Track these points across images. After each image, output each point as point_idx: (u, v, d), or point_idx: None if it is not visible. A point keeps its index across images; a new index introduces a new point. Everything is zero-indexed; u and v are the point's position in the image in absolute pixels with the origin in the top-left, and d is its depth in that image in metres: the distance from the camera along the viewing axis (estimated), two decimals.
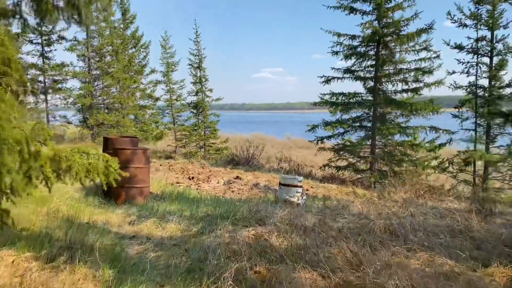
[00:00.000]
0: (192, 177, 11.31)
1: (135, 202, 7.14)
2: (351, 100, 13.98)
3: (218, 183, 10.67)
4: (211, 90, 18.58)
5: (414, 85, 12.98)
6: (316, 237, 5.02)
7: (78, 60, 22.72)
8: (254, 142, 36.66)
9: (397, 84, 13.29)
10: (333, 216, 6.34)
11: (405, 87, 13.28)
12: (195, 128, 18.36)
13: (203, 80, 18.44)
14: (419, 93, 12.91)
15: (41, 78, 22.28)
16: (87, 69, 22.53)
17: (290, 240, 4.82)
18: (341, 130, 13.88)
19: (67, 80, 22.59)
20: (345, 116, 13.94)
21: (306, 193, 8.60)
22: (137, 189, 7.24)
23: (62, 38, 22.37)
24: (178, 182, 10.73)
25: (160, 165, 13.94)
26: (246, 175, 12.35)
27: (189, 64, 18.49)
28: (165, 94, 18.78)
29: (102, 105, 23.53)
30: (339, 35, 13.49)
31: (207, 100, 18.65)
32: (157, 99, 22.05)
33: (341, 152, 14.20)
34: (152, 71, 22.86)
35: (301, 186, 7.49)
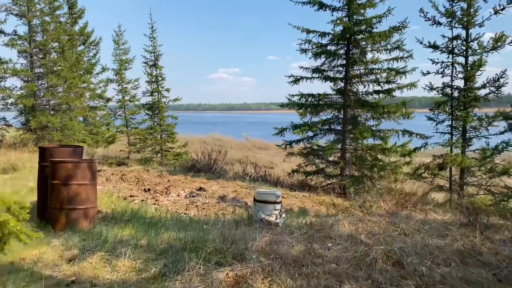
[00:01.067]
0: (148, 189, 9.97)
1: (79, 227, 5.79)
2: (320, 102, 13.15)
3: (179, 196, 9.41)
4: (168, 90, 17.19)
5: (387, 86, 12.33)
6: (311, 275, 3.98)
7: (18, 56, 20.49)
8: (211, 144, 35.99)
9: (368, 85, 12.61)
10: (322, 240, 5.35)
11: (377, 88, 12.61)
12: (151, 131, 16.90)
13: (160, 79, 17.02)
14: (391, 94, 12.27)
15: None
16: (29, 66, 20.36)
17: (281, 284, 3.74)
18: (310, 134, 13.00)
19: (6, 78, 20.36)
20: (315, 119, 13.10)
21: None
22: (81, 211, 5.89)
23: (0, 31, 20.12)
24: (132, 196, 9.37)
25: (112, 174, 12.44)
26: (210, 184, 11.15)
27: (144, 62, 17.00)
28: (117, 94, 17.19)
29: (47, 107, 21.42)
30: (308, 31, 12.60)
31: (164, 100, 17.24)
32: (109, 99, 20.32)
33: (309, 157, 13.34)
34: (103, 70, 21.08)
35: (279, 202, 6.44)
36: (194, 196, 9.02)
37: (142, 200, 9.02)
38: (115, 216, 6.85)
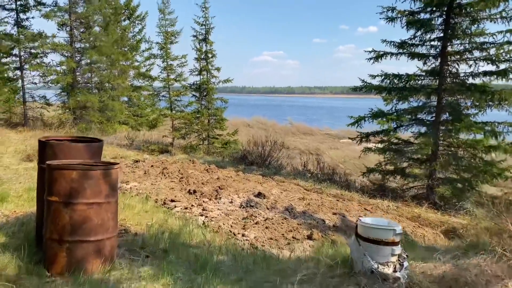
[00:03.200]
0: (194, 191, 7.85)
1: (87, 270, 3.70)
2: (407, 85, 10.45)
3: (232, 202, 7.22)
4: (218, 69, 14.97)
5: (503, 66, 9.40)
6: None
7: (58, 30, 19.06)
8: (255, 127, 33.96)
9: (475, 64, 9.72)
10: None
11: (487, 67, 9.73)
12: (198, 115, 14.82)
13: (210, 56, 14.80)
14: (508, 76, 9.35)
15: (15, 51, 18.69)
16: (69, 41, 18.87)
17: None
18: (393, 125, 10.36)
19: (47, 53, 19.00)
20: (400, 106, 10.45)
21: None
22: (91, 245, 3.78)
23: (40, 3, 18.69)
24: (173, 200, 7.29)
25: (151, 166, 10.47)
26: (269, 186, 8.88)
27: (193, 36, 14.79)
28: (161, 72, 15.22)
29: (88, 85, 19.97)
30: None
31: (213, 81, 15.07)
32: (154, 79, 18.38)
33: (390, 153, 10.73)
34: (149, 48, 19.16)
35: (398, 243, 4.04)
36: (252, 206, 6.79)
37: (186, 208, 6.91)
38: (147, 242, 4.73)
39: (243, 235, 5.65)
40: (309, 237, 5.65)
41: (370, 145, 11.05)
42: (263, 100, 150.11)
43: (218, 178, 9.10)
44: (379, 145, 10.92)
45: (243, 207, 6.83)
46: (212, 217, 6.40)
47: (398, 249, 3.97)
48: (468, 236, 6.52)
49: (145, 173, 9.65)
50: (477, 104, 9.95)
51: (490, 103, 9.75)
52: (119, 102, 20.71)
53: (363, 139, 10.63)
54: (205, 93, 14.94)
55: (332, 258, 4.46)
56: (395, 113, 10.28)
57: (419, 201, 9.46)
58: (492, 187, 10.42)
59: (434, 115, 10.35)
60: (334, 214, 6.77)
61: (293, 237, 5.68)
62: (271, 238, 5.62)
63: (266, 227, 5.94)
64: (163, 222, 5.83)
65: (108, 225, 3.92)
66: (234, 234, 5.72)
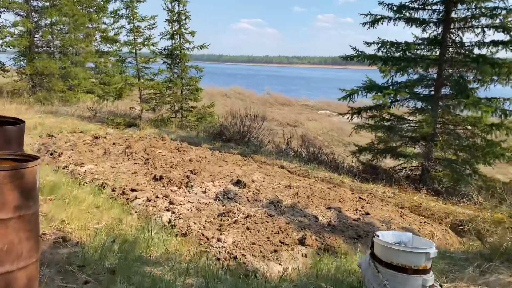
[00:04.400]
0: (161, 177, 6.60)
1: None
2: (405, 55, 9.28)
3: (205, 193, 6.02)
4: (192, 33, 13.35)
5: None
6: None
7: None
8: (233, 97, 32.69)
9: (484, 32, 8.59)
10: None
11: (492, 37, 8.64)
12: (169, 85, 13.33)
13: (183, 18, 13.15)
14: None
15: None
16: None
17: None
18: (388, 100, 9.23)
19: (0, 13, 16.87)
20: (398, 79, 9.30)
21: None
22: None
23: None
24: (134, 189, 6.04)
25: (113, 143, 9.10)
26: (250, 169, 7.70)
27: None
28: (127, 35, 13.53)
29: (49, 49, 18.00)
30: None
31: (187, 46, 13.50)
32: (123, 44, 16.59)
33: (383, 131, 9.67)
34: (117, 10, 17.22)
35: (430, 269, 2.95)
36: (230, 199, 5.61)
37: (149, 200, 5.69)
38: (90, 258, 3.52)
39: (218, 239, 4.49)
40: (301, 242, 4.55)
41: (354, 120, 9.94)
42: (240, 69, 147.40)
43: (190, 160, 7.85)
44: (370, 121, 9.85)
45: (219, 200, 5.65)
46: (180, 213, 5.20)
47: (430, 279, 2.90)
48: (483, 232, 5.59)
49: (105, 152, 8.32)
50: (480, 78, 8.93)
51: (495, 77, 8.74)
52: (84, 69, 18.88)
53: (355, 115, 9.50)
54: (177, 60, 13.40)
55: (336, 281, 3.36)
56: (391, 87, 9.15)
57: (416, 185, 8.49)
58: (491, 170, 9.55)
59: (433, 89, 9.29)
60: (328, 208, 5.69)
61: (281, 242, 4.56)
62: (253, 243, 4.49)
63: (248, 228, 4.79)
64: (116, 224, 4.61)
65: (21, 249, 2.67)
66: (208, 239, 4.55)
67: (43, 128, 10.83)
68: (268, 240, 4.59)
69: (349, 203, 6.25)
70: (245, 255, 4.21)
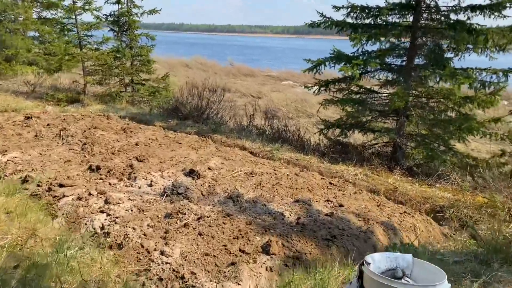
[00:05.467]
0: (98, 167, 5.54)
1: None
2: (376, 22, 8.43)
3: (151, 186, 5.05)
4: None
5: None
6: None
7: None
8: (195, 68, 31.38)
9: None
10: None
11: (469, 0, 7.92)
12: (117, 55, 11.94)
13: None
14: (501, 13, 7.62)
15: None
16: None
17: None
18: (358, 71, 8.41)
19: None
20: (369, 48, 8.47)
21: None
22: None
23: None
24: (62, 185, 4.97)
25: (48, 124, 7.84)
26: (207, 153, 6.74)
27: None
28: None
29: None
30: None
31: (136, 12, 12.06)
32: (63, 8, 14.78)
33: (347, 105, 8.90)
34: None
35: None
36: (180, 194, 4.66)
37: (80, 198, 4.65)
38: None
39: (162, 252, 3.58)
40: (265, 250, 3.71)
41: (321, 94, 9.11)
42: (202, 38, 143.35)
43: (137, 144, 6.79)
44: (338, 95, 9.06)
45: (167, 196, 4.69)
46: (117, 216, 4.22)
47: None
48: (466, 219, 4.97)
49: (36, 135, 7.10)
50: (455, 46, 8.26)
51: (470, 46, 8.09)
52: (23, 37, 16.92)
53: (322, 88, 8.65)
54: (125, 27, 11.98)
55: None
56: (361, 57, 8.33)
57: (388, 164, 7.86)
58: (462, 147, 9.07)
59: (405, 58, 8.55)
60: (296, 201, 4.86)
61: (240, 250, 3.70)
62: (206, 254, 3.61)
63: (200, 234, 3.89)
64: (30, 235, 3.59)
65: None
66: (148, 252, 3.63)
67: None
68: (225, 249, 3.72)
69: (319, 192, 5.46)
70: (195, 273, 3.33)
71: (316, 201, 5.04)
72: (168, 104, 10.78)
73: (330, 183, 5.95)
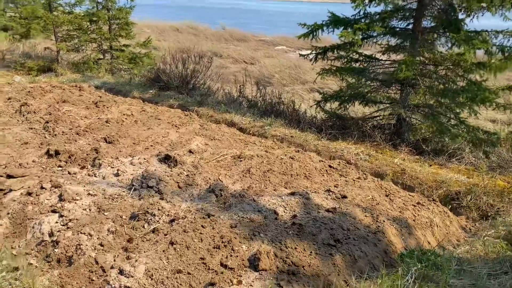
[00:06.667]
0: (57, 152, 4.68)
1: None
2: None
3: (118, 176, 4.22)
4: None
5: None
6: None
7: None
8: (185, 32, 30.05)
9: None
10: None
11: None
12: (93, 18, 10.79)
13: None
14: None
15: None
16: None
17: None
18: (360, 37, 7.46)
19: None
20: (371, 9, 7.49)
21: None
22: None
23: None
24: (11, 175, 4.14)
25: (9, 98, 6.88)
26: (189, 132, 5.88)
27: None
28: None
29: None
30: None
31: None
32: None
33: (346, 74, 8.00)
34: None
35: None
36: (150, 188, 3.85)
37: (30, 194, 3.84)
38: None
39: (121, 271, 2.81)
40: (253, 264, 2.95)
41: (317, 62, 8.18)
42: (192, 1, 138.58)
43: (107, 121, 5.89)
44: (336, 63, 8.15)
45: (135, 189, 3.88)
46: (71, 219, 3.42)
47: None
48: (486, 208, 4.25)
49: None
50: (466, 6, 7.32)
51: (484, 4, 7.16)
52: None
53: (319, 56, 7.72)
54: None
55: None
56: (362, 20, 7.37)
57: (391, 139, 7.08)
58: (473, 120, 8.27)
59: (412, 21, 7.61)
60: (292, 194, 4.07)
61: (222, 265, 2.95)
62: (179, 272, 2.85)
63: (172, 243, 3.11)
64: None
65: None
66: (104, 271, 2.85)
67: None
68: (203, 263, 2.96)
69: (318, 178, 4.69)
70: None
71: (315, 192, 4.27)
72: (149, 73, 9.79)
73: (330, 166, 5.17)
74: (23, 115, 6.09)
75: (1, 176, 4.11)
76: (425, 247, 3.76)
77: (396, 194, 4.50)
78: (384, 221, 3.78)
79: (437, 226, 4.06)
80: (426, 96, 7.40)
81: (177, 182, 4.04)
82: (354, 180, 4.78)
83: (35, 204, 3.69)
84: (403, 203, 4.29)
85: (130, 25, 11.05)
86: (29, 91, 7.31)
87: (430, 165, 6.05)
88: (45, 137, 5.31)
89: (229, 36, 30.27)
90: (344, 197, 4.18)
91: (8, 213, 3.65)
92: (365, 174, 5.08)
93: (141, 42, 11.21)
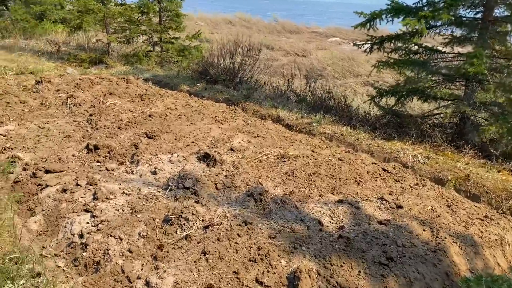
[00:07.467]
0: (96, 147, 4.58)
1: None
2: None
3: (156, 174, 4.02)
4: None
5: None
6: None
7: None
8: (238, 25, 29.97)
9: None
10: None
11: None
12: (144, 11, 10.81)
13: None
14: None
15: None
16: None
17: None
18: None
19: None
20: None
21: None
22: None
23: None
24: (49, 170, 4.06)
25: (58, 90, 6.96)
26: (232, 128, 5.61)
27: None
28: None
29: None
30: None
31: None
32: None
33: (404, 68, 7.34)
34: None
35: None
36: (187, 189, 3.61)
37: (65, 190, 3.72)
38: None
39: (147, 283, 2.57)
40: (293, 284, 2.62)
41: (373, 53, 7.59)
42: None
43: (150, 116, 5.75)
44: (393, 55, 7.53)
45: (171, 190, 3.65)
46: (102, 220, 3.25)
47: None
48: None
49: (42, 104, 6.26)
50: None
51: None
52: None
53: (375, 46, 7.15)
54: None
55: None
56: (425, 8, 6.71)
57: (452, 139, 6.42)
58: None
59: (482, 9, 6.84)
60: (340, 201, 3.68)
61: (258, 282, 2.64)
62: (210, 287, 2.57)
63: (204, 252, 2.84)
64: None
65: None
66: (130, 281, 2.63)
67: None
68: (237, 278, 2.66)
69: (370, 184, 4.24)
70: None
71: (366, 199, 3.84)
72: (197, 66, 9.65)
73: (384, 169, 4.68)
74: (69, 107, 6.11)
75: (40, 170, 4.05)
76: (495, 271, 3.24)
77: (460, 205, 3.96)
78: (445, 237, 3.29)
79: (509, 245, 3.50)
80: (496, 93, 6.63)
81: (215, 183, 3.77)
82: (411, 187, 4.28)
83: (69, 201, 3.56)
84: (468, 216, 3.75)
85: (180, 16, 10.96)
86: (77, 83, 7.37)
87: (499, 171, 5.38)
88: (87, 130, 5.25)
89: (282, 28, 29.94)
90: (400, 207, 3.72)
91: (42, 210, 3.56)
92: (423, 180, 4.56)
93: (191, 35, 11.10)
